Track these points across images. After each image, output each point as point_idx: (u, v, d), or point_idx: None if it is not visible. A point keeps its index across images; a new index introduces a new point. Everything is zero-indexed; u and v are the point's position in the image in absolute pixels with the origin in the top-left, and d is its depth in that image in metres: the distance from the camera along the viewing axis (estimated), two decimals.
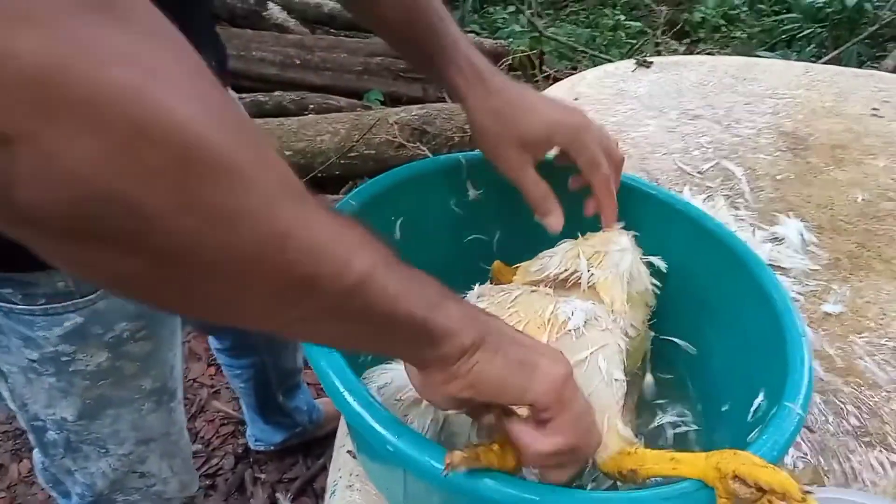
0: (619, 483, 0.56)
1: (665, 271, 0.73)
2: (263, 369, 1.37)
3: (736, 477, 0.47)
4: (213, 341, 1.37)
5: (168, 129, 0.26)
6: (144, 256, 0.29)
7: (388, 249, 0.39)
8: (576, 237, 0.72)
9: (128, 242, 0.28)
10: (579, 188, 0.72)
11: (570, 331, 0.61)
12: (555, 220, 0.70)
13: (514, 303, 0.66)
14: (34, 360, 0.74)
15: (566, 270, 0.69)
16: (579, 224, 0.72)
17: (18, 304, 0.70)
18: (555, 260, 0.70)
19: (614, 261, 0.68)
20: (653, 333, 0.74)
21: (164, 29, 0.29)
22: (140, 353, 0.80)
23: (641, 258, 0.71)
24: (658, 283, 0.72)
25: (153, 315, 0.79)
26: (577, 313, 0.62)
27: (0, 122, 0.24)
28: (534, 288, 0.69)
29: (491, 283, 0.75)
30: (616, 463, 0.54)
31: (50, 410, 0.79)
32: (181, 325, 0.89)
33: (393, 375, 0.63)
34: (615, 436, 0.55)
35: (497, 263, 0.79)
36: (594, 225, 0.73)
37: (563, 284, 0.69)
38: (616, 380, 0.59)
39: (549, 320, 0.62)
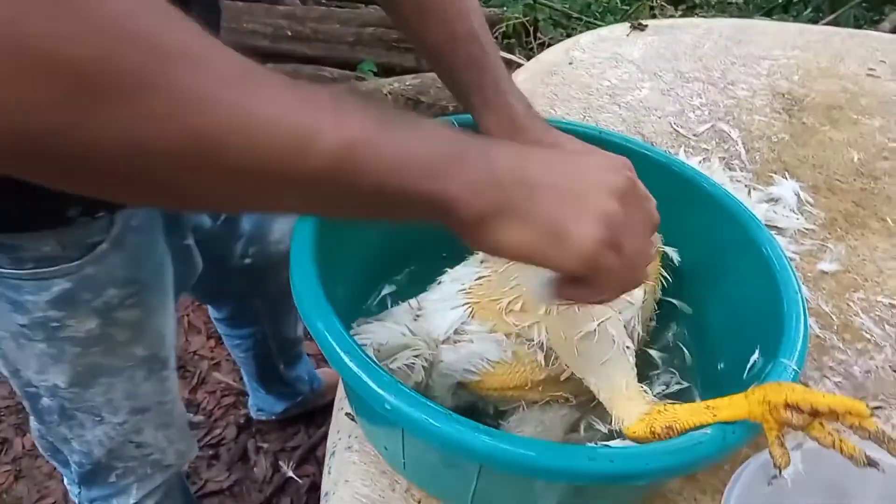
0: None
1: (677, 265, 0.72)
2: (263, 339, 1.37)
3: (788, 405, 0.46)
4: (212, 311, 1.37)
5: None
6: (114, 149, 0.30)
7: (382, 112, 0.37)
8: None
9: (100, 139, 0.29)
10: None
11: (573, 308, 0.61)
12: None
13: (518, 272, 0.66)
14: (24, 325, 0.74)
15: None
16: None
17: (6, 269, 0.70)
18: None
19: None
20: (655, 303, 0.73)
21: None
22: (131, 319, 0.79)
23: (658, 248, 0.71)
24: (669, 279, 0.72)
25: (143, 282, 0.78)
26: None
27: None
28: None
29: None
30: (647, 425, 0.52)
31: (42, 377, 0.79)
32: (175, 293, 0.88)
33: (376, 328, 0.63)
34: (640, 398, 0.55)
35: None
36: None
37: None
38: (627, 347, 0.59)
39: None
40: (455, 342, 0.62)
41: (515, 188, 0.41)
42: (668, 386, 0.70)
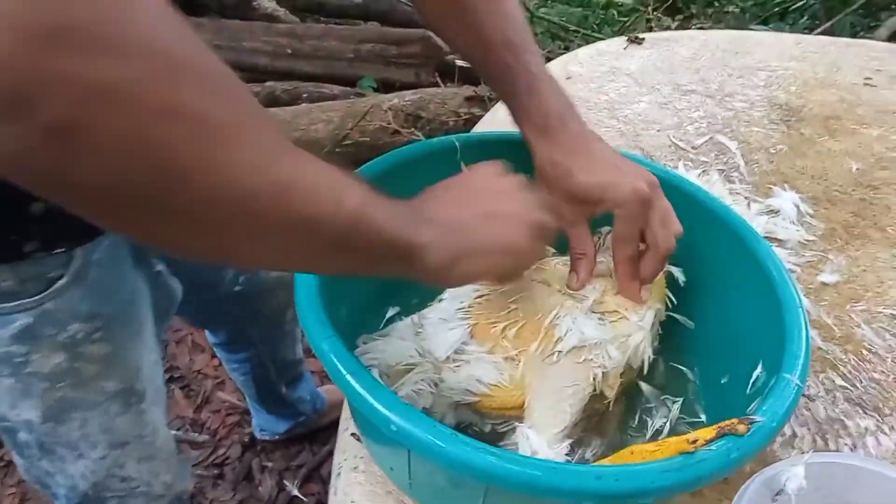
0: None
1: (687, 283, 0.72)
2: (261, 362, 1.37)
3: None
4: (209, 335, 1.37)
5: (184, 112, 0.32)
6: (174, 213, 0.35)
7: (368, 185, 0.44)
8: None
9: (161, 204, 0.34)
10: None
11: (554, 352, 0.62)
12: (574, 281, 0.68)
13: (518, 298, 0.66)
14: None
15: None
16: None
17: None
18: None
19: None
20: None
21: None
22: (99, 354, 0.77)
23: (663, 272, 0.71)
24: (674, 300, 0.72)
25: (111, 316, 0.77)
26: (572, 333, 0.62)
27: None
28: (539, 280, 0.69)
29: None
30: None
31: (15, 411, 0.78)
32: (158, 321, 0.86)
33: (383, 346, 0.63)
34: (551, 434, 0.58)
35: None
36: None
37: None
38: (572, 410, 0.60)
39: (545, 329, 0.63)
40: (454, 362, 0.63)
41: (459, 230, 0.53)
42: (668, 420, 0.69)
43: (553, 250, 0.73)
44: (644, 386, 0.70)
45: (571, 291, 0.67)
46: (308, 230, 0.40)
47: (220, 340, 1.33)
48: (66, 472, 0.85)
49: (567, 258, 0.70)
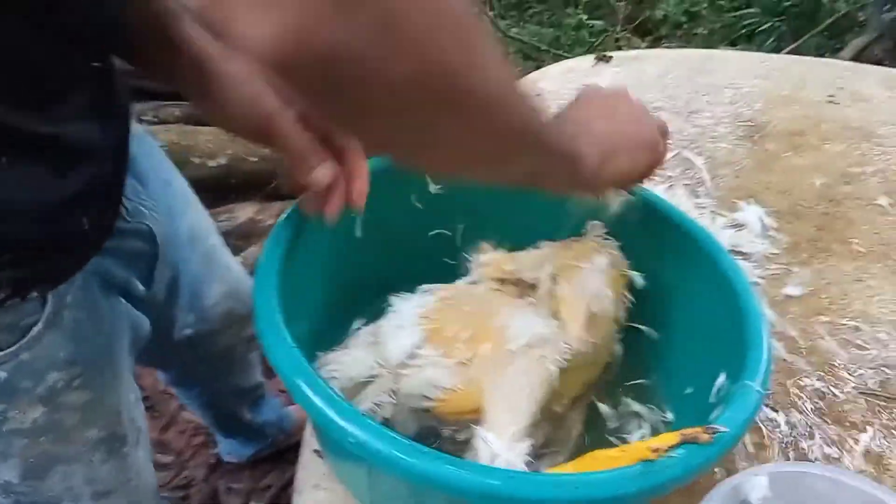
0: None
1: (641, 288, 0.72)
2: (215, 393, 1.34)
3: None
4: (159, 373, 1.33)
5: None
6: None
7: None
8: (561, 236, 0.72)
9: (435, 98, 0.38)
10: None
11: (508, 352, 0.61)
12: (322, 172, 0.63)
13: (468, 303, 0.66)
14: None
15: (536, 277, 0.69)
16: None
17: None
18: (526, 264, 0.70)
19: (582, 281, 0.67)
20: (619, 347, 0.73)
21: None
22: (79, 402, 0.73)
23: (622, 271, 0.71)
24: (632, 299, 0.72)
25: (89, 360, 0.72)
26: (522, 332, 0.62)
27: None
28: (494, 287, 0.69)
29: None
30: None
31: None
32: (129, 364, 0.82)
33: (342, 358, 0.63)
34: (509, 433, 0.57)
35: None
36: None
37: (531, 289, 0.69)
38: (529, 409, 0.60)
39: (496, 330, 0.63)
40: (409, 367, 0.62)
41: (605, 137, 0.61)
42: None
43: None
44: (603, 407, 0.70)
45: (526, 294, 0.67)
46: (520, 138, 0.47)
47: (170, 379, 1.30)
48: None
49: (520, 253, 0.72)
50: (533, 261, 0.70)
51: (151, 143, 0.74)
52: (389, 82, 0.35)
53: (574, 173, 0.57)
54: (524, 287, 0.70)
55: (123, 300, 0.78)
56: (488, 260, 0.72)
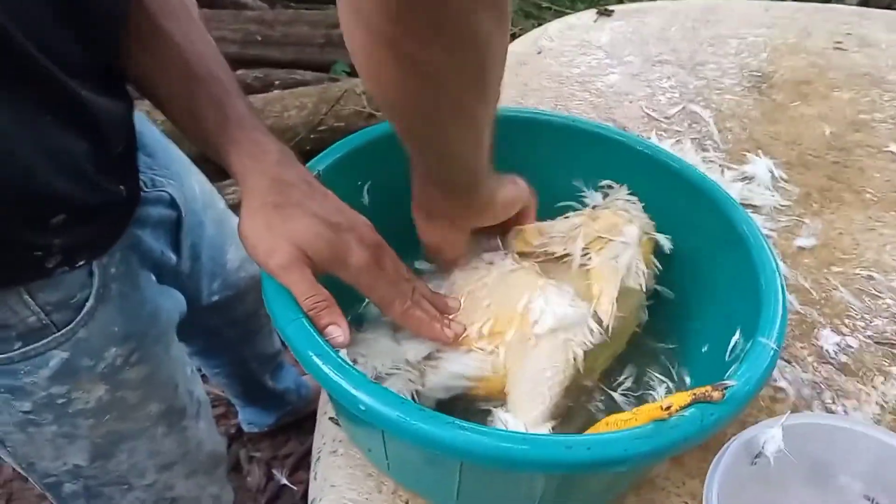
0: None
1: (669, 252, 0.71)
2: (242, 361, 1.35)
3: None
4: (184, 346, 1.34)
5: None
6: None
7: None
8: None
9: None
10: None
11: (533, 336, 0.61)
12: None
13: (490, 288, 0.65)
14: (28, 412, 0.68)
15: (565, 250, 0.68)
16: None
17: None
18: (556, 237, 0.69)
19: (614, 252, 0.66)
20: (645, 315, 0.72)
21: None
22: (138, 378, 0.74)
23: (649, 235, 0.70)
24: (659, 266, 0.71)
25: (142, 333, 0.73)
26: (546, 315, 0.61)
27: None
28: (517, 265, 0.67)
29: None
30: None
31: (59, 462, 0.74)
32: (175, 339, 0.83)
33: (369, 344, 0.62)
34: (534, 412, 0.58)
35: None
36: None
37: (558, 262, 0.68)
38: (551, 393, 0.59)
39: (520, 314, 0.62)
40: (433, 359, 0.62)
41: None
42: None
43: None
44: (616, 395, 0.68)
45: (551, 271, 0.67)
46: (497, 83, 0.50)
47: (194, 351, 1.30)
48: None
49: (546, 224, 0.71)
50: (563, 232, 0.69)
51: (140, 115, 0.74)
52: None
53: (479, 168, 0.58)
54: (551, 261, 0.69)
55: (157, 279, 0.81)
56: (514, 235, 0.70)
